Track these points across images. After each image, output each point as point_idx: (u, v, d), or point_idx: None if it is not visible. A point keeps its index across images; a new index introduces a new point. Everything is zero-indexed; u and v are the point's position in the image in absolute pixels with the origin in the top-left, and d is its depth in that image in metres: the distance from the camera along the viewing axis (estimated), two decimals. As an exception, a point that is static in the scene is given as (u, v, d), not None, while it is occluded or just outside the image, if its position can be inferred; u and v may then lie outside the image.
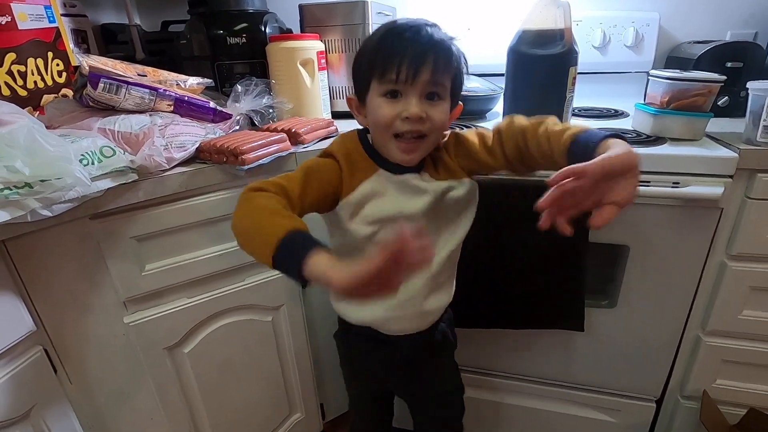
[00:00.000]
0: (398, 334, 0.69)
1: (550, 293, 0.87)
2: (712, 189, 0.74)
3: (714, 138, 0.83)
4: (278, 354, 0.99)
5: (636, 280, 0.87)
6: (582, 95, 0.99)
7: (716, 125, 0.86)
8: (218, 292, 0.86)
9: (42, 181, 0.54)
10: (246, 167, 0.73)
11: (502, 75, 1.16)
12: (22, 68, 0.85)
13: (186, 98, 0.81)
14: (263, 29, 1.05)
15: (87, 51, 1.11)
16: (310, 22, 1.10)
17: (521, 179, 0.81)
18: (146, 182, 0.70)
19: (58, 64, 0.93)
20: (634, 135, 0.87)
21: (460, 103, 0.63)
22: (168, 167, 0.72)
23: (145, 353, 0.81)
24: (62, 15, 1.02)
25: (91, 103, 0.74)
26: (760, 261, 0.81)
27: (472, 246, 0.74)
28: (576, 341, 0.95)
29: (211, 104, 0.85)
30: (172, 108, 0.80)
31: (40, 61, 0.89)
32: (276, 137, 0.81)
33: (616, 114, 1.08)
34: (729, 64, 0.96)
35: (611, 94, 1.18)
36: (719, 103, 0.96)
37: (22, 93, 0.86)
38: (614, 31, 1.14)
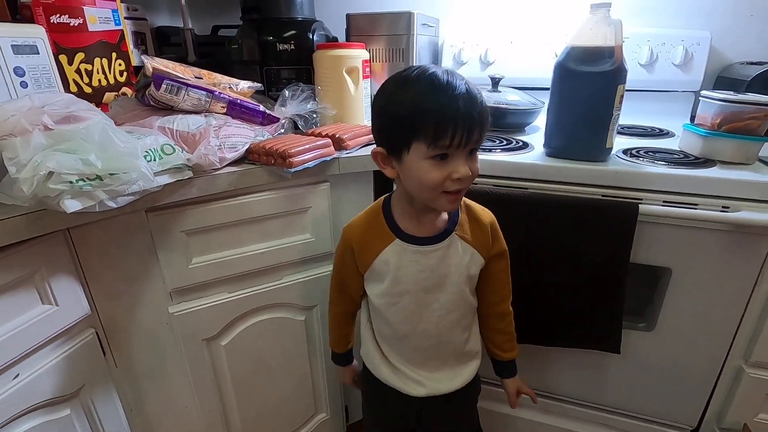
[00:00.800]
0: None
1: (588, 312, 0.86)
2: (764, 215, 0.72)
3: (767, 163, 0.81)
4: (308, 353, 1.01)
5: (677, 304, 0.85)
6: (626, 113, 0.98)
7: (768, 150, 0.84)
8: (257, 289, 0.88)
9: (111, 174, 0.57)
10: (293, 170, 0.76)
11: (541, 89, 1.17)
12: (89, 67, 0.91)
13: (238, 101, 0.85)
14: (311, 36, 1.09)
15: (145, 52, 1.18)
16: (356, 31, 1.12)
17: (561, 195, 0.81)
18: (199, 180, 0.74)
19: (120, 64, 0.99)
20: (682, 156, 0.85)
21: None
22: (220, 166, 0.76)
23: (186, 343, 0.85)
24: (125, 18, 1.08)
25: (152, 103, 0.79)
26: (813, 293, 0.78)
27: (511, 260, 0.74)
28: (610, 363, 0.94)
29: (261, 108, 0.88)
30: (225, 110, 0.84)
31: (105, 61, 0.95)
32: (321, 142, 0.83)
33: (662, 133, 1.06)
34: (785, 88, 0.93)
35: (656, 113, 1.16)
36: (772, 127, 0.93)
37: (87, 90, 0.92)
38: (662, 48, 1.12)
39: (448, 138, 0.54)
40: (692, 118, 0.89)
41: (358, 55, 1.02)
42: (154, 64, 0.78)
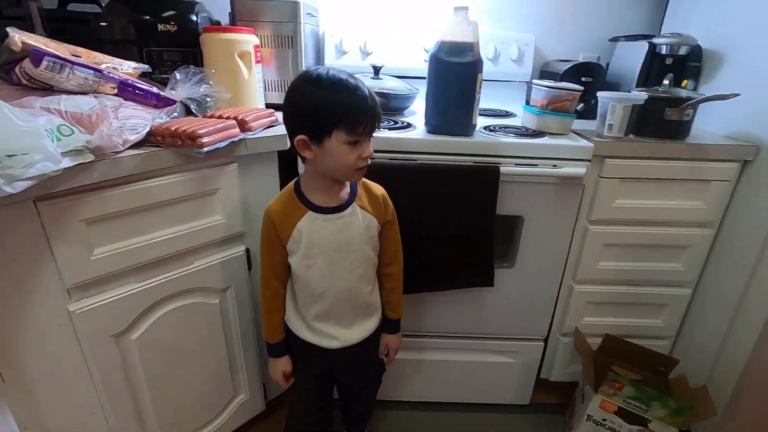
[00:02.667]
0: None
1: (468, 257, 1.07)
2: (578, 170, 1.00)
3: (577, 133, 1.11)
4: (225, 336, 1.02)
5: (528, 243, 1.11)
6: (482, 98, 1.21)
7: (576, 125, 1.14)
8: (168, 276, 0.87)
9: (9, 156, 0.53)
10: (205, 150, 0.77)
11: (414, 77, 1.35)
12: None
13: (130, 82, 0.81)
14: (194, 18, 1.06)
15: (-22, 24, 0.99)
16: (242, 15, 1.13)
17: (441, 164, 0.99)
18: (101, 164, 0.70)
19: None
20: (524, 130, 1.11)
21: None
22: (123, 149, 0.73)
23: (91, 342, 0.79)
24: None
25: (24, 81, 0.71)
26: (610, 224, 1.11)
27: (400, 223, 0.89)
28: (485, 298, 1.16)
29: (155, 90, 0.85)
30: (115, 91, 0.79)
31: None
32: (226, 123, 0.85)
33: (508, 114, 1.33)
34: (583, 78, 1.27)
35: (500, 98, 1.44)
36: (578, 108, 1.26)
37: None
38: (503, 47, 1.40)
39: (362, 128, 0.71)
40: (527, 102, 1.15)
41: (249, 39, 1.05)
42: (23, 38, 0.70)
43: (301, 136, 0.72)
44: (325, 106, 0.69)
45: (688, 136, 1.07)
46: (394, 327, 0.97)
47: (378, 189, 0.86)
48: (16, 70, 0.70)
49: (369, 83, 0.84)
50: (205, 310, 0.96)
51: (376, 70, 1.25)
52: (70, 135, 0.63)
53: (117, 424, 0.88)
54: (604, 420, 1.08)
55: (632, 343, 1.20)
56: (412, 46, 1.40)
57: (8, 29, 0.69)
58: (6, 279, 0.68)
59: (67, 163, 0.62)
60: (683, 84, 1.19)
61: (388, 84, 1.25)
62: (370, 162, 0.76)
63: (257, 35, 1.11)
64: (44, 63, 0.68)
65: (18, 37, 0.69)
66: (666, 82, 1.04)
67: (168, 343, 0.91)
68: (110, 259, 0.77)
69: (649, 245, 1.13)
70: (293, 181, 0.84)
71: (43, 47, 0.70)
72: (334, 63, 1.40)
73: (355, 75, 0.73)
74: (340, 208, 0.80)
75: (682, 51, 1.17)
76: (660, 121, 1.03)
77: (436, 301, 1.16)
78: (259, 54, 1.08)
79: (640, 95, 1.00)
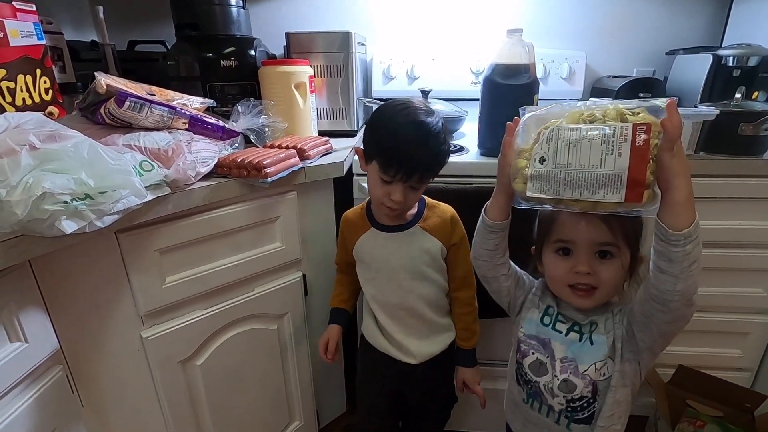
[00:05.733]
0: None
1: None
2: (645, 190, 0.94)
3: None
4: (281, 362, 1.02)
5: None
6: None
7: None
8: (230, 303, 0.89)
9: (101, 192, 0.56)
10: (270, 180, 0.79)
11: (459, 99, 1.34)
12: (11, 85, 0.83)
13: (199, 117, 0.85)
14: (253, 53, 1.12)
15: (63, 69, 1.08)
16: (296, 48, 1.18)
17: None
18: (174, 196, 0.73)
19: (45, 81, 0.91)
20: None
21: None
22: (194, 181, 0.76)
23: (160, 367, 0.81)
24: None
25: (108, 121, 0.76)
26: (679, 246, 1.04)
27: None
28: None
29: (221, 123, 0.89)
30: (186, 126, 0.83)
31: (29, 78, 0.87)
32: (287, 153, 0.88)
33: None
34: (641, 94, 1.22)
35: (552, 117, 1.41)
36: (636, 124, 1.21)
37: (11, 110, 0.83)
38: (552, 66, 1.38)
39: (392, 171, 0.72)
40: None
41: (304, 71, 1.08)
42: (107, 81, 0.75)
43: (362, 147, 0.79)
44: (375, 134, 0.75)
45: (766, 152, 1.00)
46: (467, 359, 0.90)
47: (447, 211, 0.86)
48: (101, 110, 0.75)
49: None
50: (263, 336, 0.97)
51: (425, 93, 1.25)
52: (150, 170, 0.67)
53: (181, 448, 0.89)
54: (684, 460, 1.00)
55: (710, 375, 1.10)
56: (458, 69, 1.41)
57: (96, 74, 0.75)
58: (88, 306, 0.71)
59: (149, 196, 0.65)
60: (754, 96, 1.12)
61: (437, 107, 1.25)
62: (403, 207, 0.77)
63: (311, 66, 1.15)
64: (127, 103, 0.72)
65: (104, 80, 0.75)
66: (738, 95, 0.98)
67: (229, 369, 0.92)
68: (180, 287, 0.80)
69: (725, 269, 1.05)
70: (368, 198, 0.88)
71: (125, 88, 0.75)
72: (381, 89, 1.42)
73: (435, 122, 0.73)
74: (401, 228, 0.82)
75: (752, 62, 1.10)
76: (733, 137, 0.97)
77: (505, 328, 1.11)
78: (313, 84, 1.12)
79: (711, 110, 0.95)
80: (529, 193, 0.58)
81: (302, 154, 0.92)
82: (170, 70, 1.10)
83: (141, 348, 0.79)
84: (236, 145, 0.96)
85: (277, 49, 1.26)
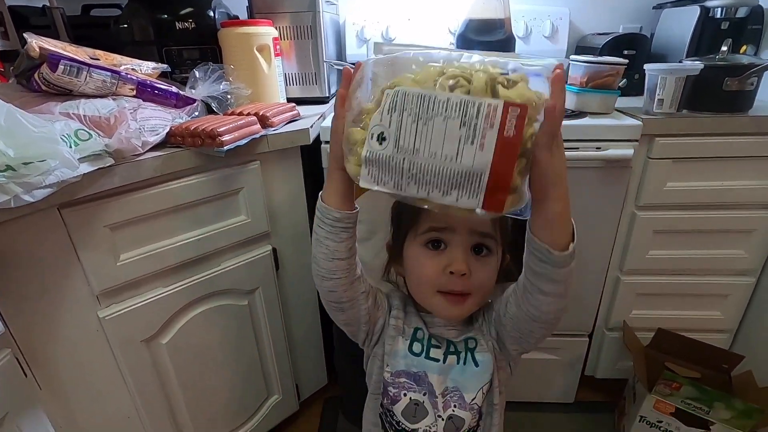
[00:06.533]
0: None
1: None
2: (625, 151, 0.91)
3: (622, 111, 1.01)
4: (255, 338, 1.00)
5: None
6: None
7: (620, 102, 1.04)
8: (195, 279, 0.85)
9: (25, 164, 0.51)
10: (225, 148, 0.74)
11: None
12: (-61, 51, 0.76)
13: (149, 82, 0.79)
14: (212, 14, 1.04)
15: (5, 35, 1.00)
16: (259, 8, 1.10)
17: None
18: (121, 167, 0.68)
19: (-20, 48, 0.84)
20: (561, 111, 1.02)
21: None
22: (142, 151, 0.71)
23: (122, 348, 0.78)
24: (-26, -7, 0.91)
25: (44, 87, 0.70)
26: (661, 209, 1.01)
27: None
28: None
29: (174, 89, 0.83)
30: (134, 92, 0.77)
31: (-40, 44, 0.80)
32: (246, 120, 0.82)
33: (542, 95, 1.24)
34: (625, 52, 1.16)
35: (534, 79, 1.35)
36: (620, 84, 1.15)
37: (-59, 79, 0.77)
38: (534, 23, 1.30)
39: None
40: (567, 80, 1.07)
41: (268, 32, 1.01)
42: (40, 43, 0.68)
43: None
44: None
45: (751, 108, 0.95)
46: None
47: None
48: (36, 76, 0.69)
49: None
50: (234, 312, 0.94)
51: (400, 56, 1.19)
52: (87, 139, 0.62)
53: (152, 427, 0.88)
54: (660, 422, 1.00)
55: (688, 337, 1.10)
56: (436, 29, 1.33)
57: (25, 35, 0.68)
58: (36, 287, 0.67)
59: (85, 168, 0.60)
60: (742, 50, 1.07)
61: (413, 70, 1.19)
62: None
63: (276, 27, 1.08)
64: (61, 67, 0.66)
65: (35, 42, 0.68)
66: (724, 48, 0.93)
67: (199, 347, 0.90)
68: (137, 264, 0.76)
69: (706, 231, 1.03)
70: None
71: (60, 51, 0.68)
72: (356, 53, 1.35)
73: None
74: None
75: (741, 13, 1.04)
76: (718, 93, 0.92)
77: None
78: (278, 47, 1.05)
79: (695, 65, 0.90)
80: (362, 183, 0.44)
81: (264, 121, 0.87)
82: (123, 34, 1.02)
83: (100, 328, 0.75)
84: (196, 113, 0.90)
85: (240, 10, 1.18)
